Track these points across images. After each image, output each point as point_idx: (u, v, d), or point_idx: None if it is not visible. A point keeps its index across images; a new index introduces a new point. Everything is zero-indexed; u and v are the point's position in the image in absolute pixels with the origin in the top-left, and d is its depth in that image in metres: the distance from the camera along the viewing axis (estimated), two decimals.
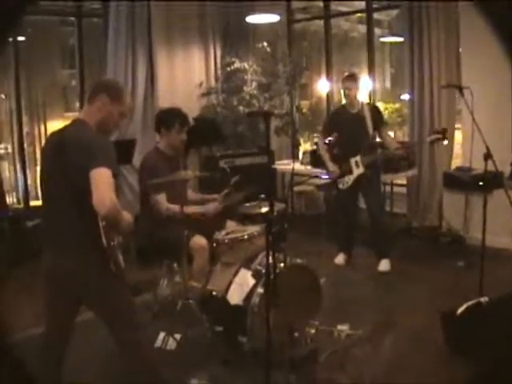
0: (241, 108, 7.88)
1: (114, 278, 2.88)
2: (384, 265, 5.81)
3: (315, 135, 8.86)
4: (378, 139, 6.10)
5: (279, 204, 4.20)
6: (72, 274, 2.89)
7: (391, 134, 5.99)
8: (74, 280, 2.90)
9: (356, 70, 6.14)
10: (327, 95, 8.69)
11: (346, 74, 5.91)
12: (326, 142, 5.93)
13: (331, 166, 5.93)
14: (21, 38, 7.55)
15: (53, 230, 2.98)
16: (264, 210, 3.91)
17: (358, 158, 5.75)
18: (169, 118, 4.68)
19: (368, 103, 6.18)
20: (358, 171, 5.78)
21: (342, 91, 5.90)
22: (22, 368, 2.89)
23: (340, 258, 6.13)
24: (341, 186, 5.92)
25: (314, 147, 7.72)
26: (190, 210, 4.50)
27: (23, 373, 2.88)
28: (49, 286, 3.04)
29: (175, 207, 4.44)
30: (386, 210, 6.57)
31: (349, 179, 5.84)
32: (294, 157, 8.50)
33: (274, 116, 7.60)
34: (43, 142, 3.29)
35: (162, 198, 4.54)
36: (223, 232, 4.43)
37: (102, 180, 2.70)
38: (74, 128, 2.98)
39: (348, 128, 5.81)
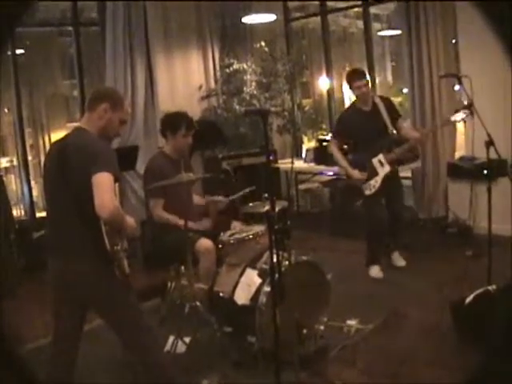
0: (240, 108, 7.84)
1: (118, 283, 2.89)
2: (399, 259, 5.72)
3: (319, 133, 8.81)
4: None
5: (282, 202, 4.21)
6: (76, 280, 2.91)
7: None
8: (79, 286, 2.93)
9: (357, 65, 6.10)
10: (328, 92, 8.68)
11: (351, 69, 5.52)
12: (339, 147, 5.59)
13: (355, 173, 5.41)
14: (20, 51, 7.54)
15: (57, 237, 3.02)
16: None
17: (380, 156, 5.31)
18: (175, 122, 4.66)
19: (380, 96, 5.61)
20: (383, 170, 5.31)
21: (351, 90, 5.42)
22: (33, 377, 2.90)
23: (376, 271, 5.56)
24: (368, 191, 5.38)
25: (317, 145, 7.71)
26: (181, 222, 4.24)
27: (34, 382, 2.89)
28: (55, 293, 3.07)
29: (163, 214, 4.50)
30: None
31: (376, 181, 5.33)
32: (295, 155, 8.49)
33: (272, 114, 7.57)
34: None
35: (156, 204, 4.55)
36: (228, 233, 4.42)
37: (103, 184, 2.73)
38: (74, 136, 3.02)
39: (364, 128, 5.36)
